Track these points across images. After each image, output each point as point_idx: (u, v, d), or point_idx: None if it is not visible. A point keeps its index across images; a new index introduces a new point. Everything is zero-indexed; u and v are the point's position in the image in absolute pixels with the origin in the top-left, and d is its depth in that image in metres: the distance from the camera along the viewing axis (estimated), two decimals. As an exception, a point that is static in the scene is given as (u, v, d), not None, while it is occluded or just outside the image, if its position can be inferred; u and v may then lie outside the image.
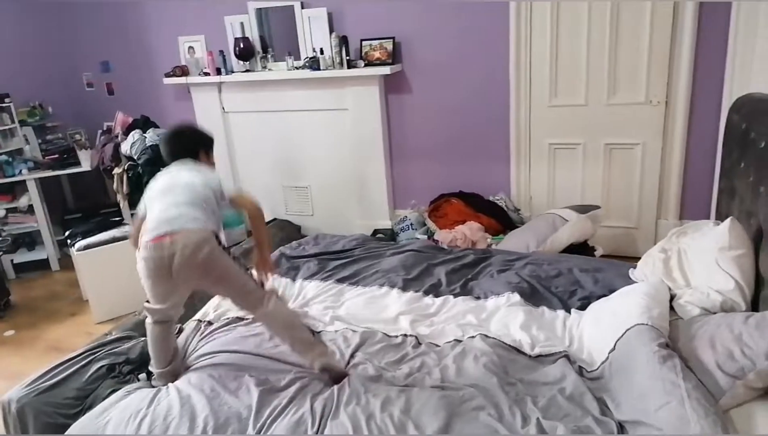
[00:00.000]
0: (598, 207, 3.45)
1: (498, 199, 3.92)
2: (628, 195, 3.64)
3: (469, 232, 3.63)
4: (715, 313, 1.80)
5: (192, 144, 2.23)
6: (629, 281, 2.29)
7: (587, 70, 3.51)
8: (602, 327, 1.89)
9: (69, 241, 3.79)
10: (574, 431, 1.50)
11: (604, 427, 1.53)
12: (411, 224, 4.06)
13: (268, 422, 1.69)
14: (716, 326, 1.63)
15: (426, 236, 3.88)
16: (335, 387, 1.80)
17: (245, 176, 4.62)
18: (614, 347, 1.75)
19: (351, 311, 2.36)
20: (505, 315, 2.17)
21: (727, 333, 1.57)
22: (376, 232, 4.21)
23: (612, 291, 2.20)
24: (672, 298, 1.99)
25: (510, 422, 1.58)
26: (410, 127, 4.11)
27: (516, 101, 3.73)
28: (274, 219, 4.53)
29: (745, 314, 1.62)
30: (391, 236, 4.11)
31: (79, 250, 3.55)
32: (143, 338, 2.20)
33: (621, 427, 1.54)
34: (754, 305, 1.82)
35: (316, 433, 1.63)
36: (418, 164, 4.19)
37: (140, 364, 2.17)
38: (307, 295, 2.57)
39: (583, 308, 2.19)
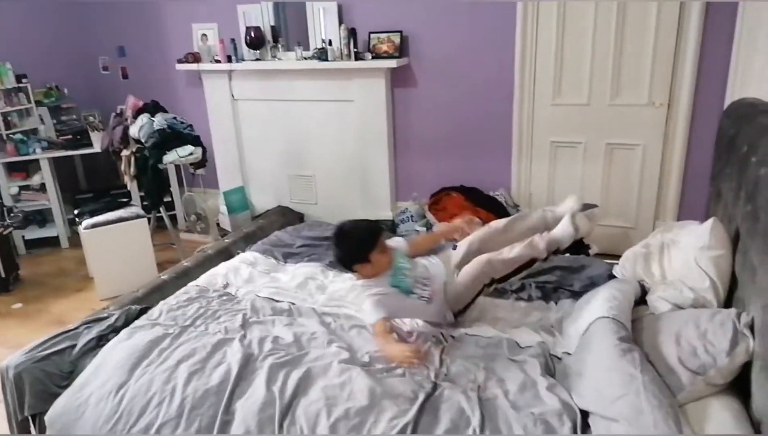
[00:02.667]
0: (595, 206, 3.44)
1: (498, 195, 3.94)
2: (627, 195, 3.65)
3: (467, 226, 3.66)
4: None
5: (345, 260, 2.17)
6: (613, 278, 2.32)
7: (591, 70, 3.52)
8: (573, 320, 1.93)
9: (77, 219, 3.90)
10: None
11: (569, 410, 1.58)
12: (411, 216, 4.11)
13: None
14: (684, 322, 1.66)
15: (425, 229, 3.93)
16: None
17: (252, 164, 4.70)
18: (580, 340, 1.79)
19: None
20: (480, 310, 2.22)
21: (693, 330, 1.60)
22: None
23: (594, 286, 2.23)
24: (648, 292, 2.02)
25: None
26: (415, 120, 4.15)
27: (520, 98, 3.75)
28: (278, 206, 4.62)
29: (713, 311, 1.65)
30: (391, 227, 4.16)
31: (86, 228, 3.66)
32: (132, 306, 2.35)
33: (584, 415, 1.59)
34: (727, 305, 1.84)
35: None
36: (421, 157, 4.23)
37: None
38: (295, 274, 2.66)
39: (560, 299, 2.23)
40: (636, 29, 3.34)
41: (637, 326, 1.80)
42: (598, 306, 1.84)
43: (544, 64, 3.63)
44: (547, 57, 3.61)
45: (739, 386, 1.57)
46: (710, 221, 1.99)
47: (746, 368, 1.53)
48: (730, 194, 2.04)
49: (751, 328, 1.54)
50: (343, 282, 2.59)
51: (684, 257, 1.99)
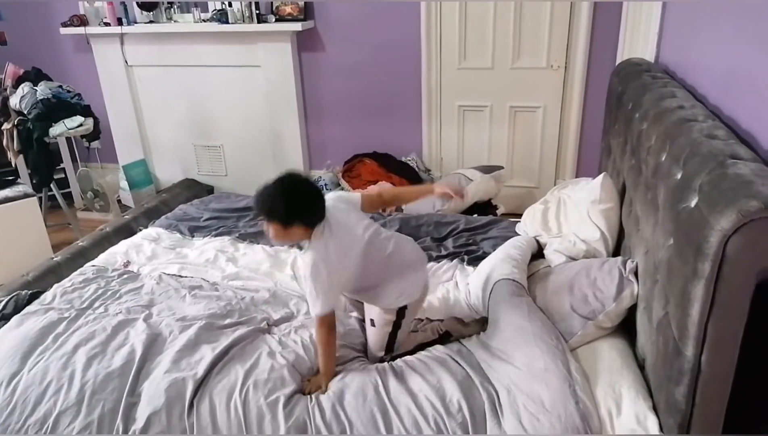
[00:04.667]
0: (501, 167, 3.58)
1: (410, 160, 3.99)
2: (531, 156, 3.81)
3: (380, 191, 3.68)
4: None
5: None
6: (516, 235, 2.42)
7: (493, 34, 3.59)
8: (479, 284, 2.01)
9: (-45, 201, 3.54)
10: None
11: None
12: (326, 185, 4.06)
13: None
14: (576, 272, 1.77)
15: (339, 196, 3.90)
16: None
17: (154, 135, 4.45)
18: (488, 304, 1.87)
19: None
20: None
21: (584, 279, 1.71)
22: (290, 192, 4.18)
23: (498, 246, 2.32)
24: (544, 247, 2.14)
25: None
26: (325, 86, 4.07)
27: (427, 63, 3.77)
28: (184, 179, 4.42)
29: (602, 260, 1.77)
30: (305, 196, 4.10)
31: (-34, 210, 3.33)
32: (22, 291, 2.18)
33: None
34: (616, 254, 1.97)
35: None
36: (333, 124, 4.17)
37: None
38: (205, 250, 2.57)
39: (471, 262, 2.30)
40: (534, -6, 3.44)
41: (534, 278, 1.90)
42: (498, 268, 1.92)
43: (449, 28, 3.66)
44: (451, 21, 3.63)
45: (626, 328, 1.70)
46: (600, 176, 2.11)
47: (632, 310, 1.66)
48: (618, 150, 2.17)
49: (636, 274, 1.66)
50: (255, 254, 2.53)
51: (578, 211, 2.12)
